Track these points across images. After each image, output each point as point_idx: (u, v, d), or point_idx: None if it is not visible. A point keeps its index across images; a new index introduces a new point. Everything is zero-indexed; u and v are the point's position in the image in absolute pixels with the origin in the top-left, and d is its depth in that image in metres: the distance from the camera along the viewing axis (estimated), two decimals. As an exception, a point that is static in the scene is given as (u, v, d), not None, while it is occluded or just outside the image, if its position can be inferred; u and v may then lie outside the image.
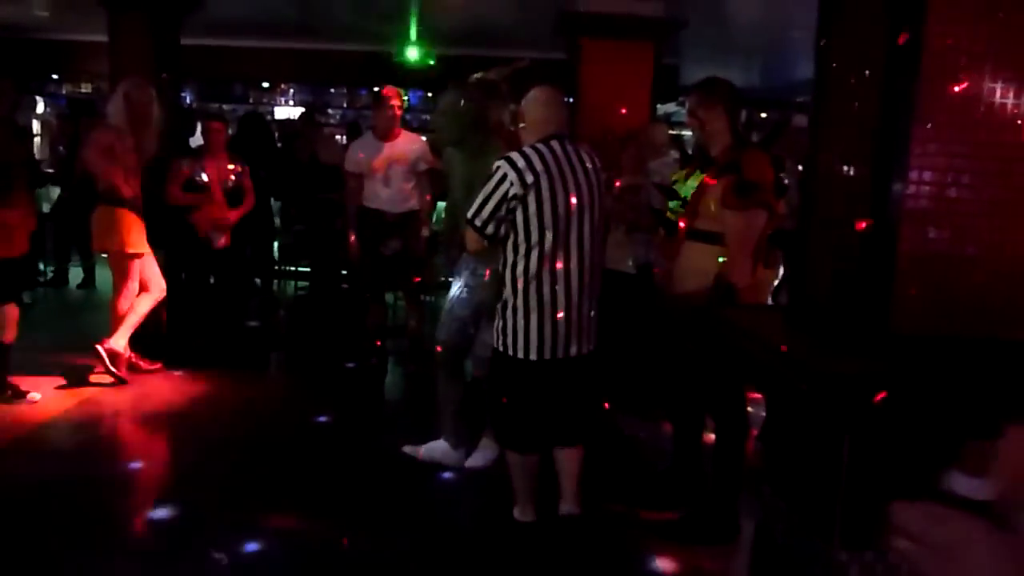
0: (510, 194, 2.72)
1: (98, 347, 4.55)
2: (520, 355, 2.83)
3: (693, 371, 3.14)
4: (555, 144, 2.82)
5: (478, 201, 2.79)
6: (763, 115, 8.51)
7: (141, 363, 4.84)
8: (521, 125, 3.04)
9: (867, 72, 1.57)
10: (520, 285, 2.79)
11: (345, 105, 10.28)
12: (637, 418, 4.43)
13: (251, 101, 10.47)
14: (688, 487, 3.38)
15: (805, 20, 2.69)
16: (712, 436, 3.21)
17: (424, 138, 5.04)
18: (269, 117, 10.40)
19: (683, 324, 3.02)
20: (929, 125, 1.48)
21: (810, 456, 1.63)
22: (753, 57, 8.23)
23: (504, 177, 2.73)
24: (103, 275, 6.65)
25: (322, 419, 4.24)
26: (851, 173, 1.56)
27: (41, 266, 7.09)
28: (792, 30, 6.27)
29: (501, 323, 2.89)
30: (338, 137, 8.66)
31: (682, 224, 3.11)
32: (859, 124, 1.56)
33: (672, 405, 3.54)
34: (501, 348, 2.89)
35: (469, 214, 2.82)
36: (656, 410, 4.37)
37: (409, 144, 4.88)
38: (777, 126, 3.42)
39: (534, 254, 2.75)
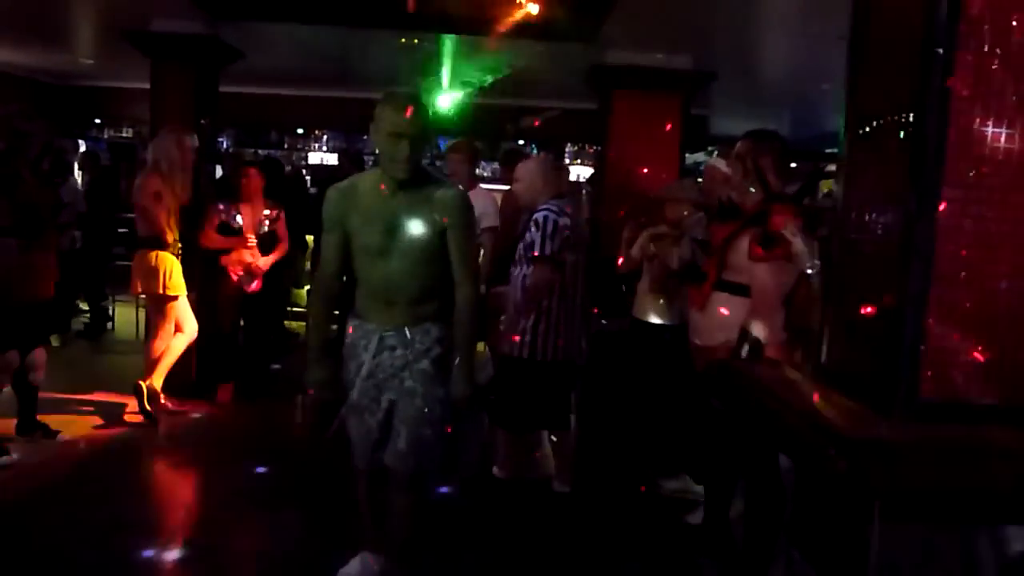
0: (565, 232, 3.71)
1: (140, 383, 4.64)
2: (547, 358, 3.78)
3: (720, 430, 3.09)
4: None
5: (543, 241, 3.66)
6: (793, 165, 8.51)
7: (170, 404, 4.90)
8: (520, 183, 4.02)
9: (896, 129, 1.57)
10: (544, 305, 3.74)
11: (376, 151, 10.45)
12: (668, 474, 4.35)
13: (286, 147, 10.72)
14: (717, 547, 3.31)
15: (834, 71, 2.70)
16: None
17: (493, 194, 5.01)
18: (303, 163, 10.64)
19: (708, 378, 2.99)
20: (958, 185, 1.47)
21: (839, 521, 1.59)
22: (783, 108, 8.26)
23: (556, 221, 3.70)
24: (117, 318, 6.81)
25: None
26: (880, 230, 1.55)
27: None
28: (821, 82, 6.30)
29: (525, 335, 3.75)
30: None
31: (710, 274, 3.10)
32: (888, 183, 1.55)
33: (701, 464, 3.50)
34: (526, 354, 3.77)
35: (541, 251, 3.67)
36: (684, 466, 4.31)
37: (476, 199, 4.88)
38: (812, 176, 3.41)
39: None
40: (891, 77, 1.63)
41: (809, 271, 2.63)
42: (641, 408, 4.60)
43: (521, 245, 3.85)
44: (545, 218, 3.73)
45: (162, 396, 4.81)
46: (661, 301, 4.28)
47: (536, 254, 3.70)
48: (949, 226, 1.46)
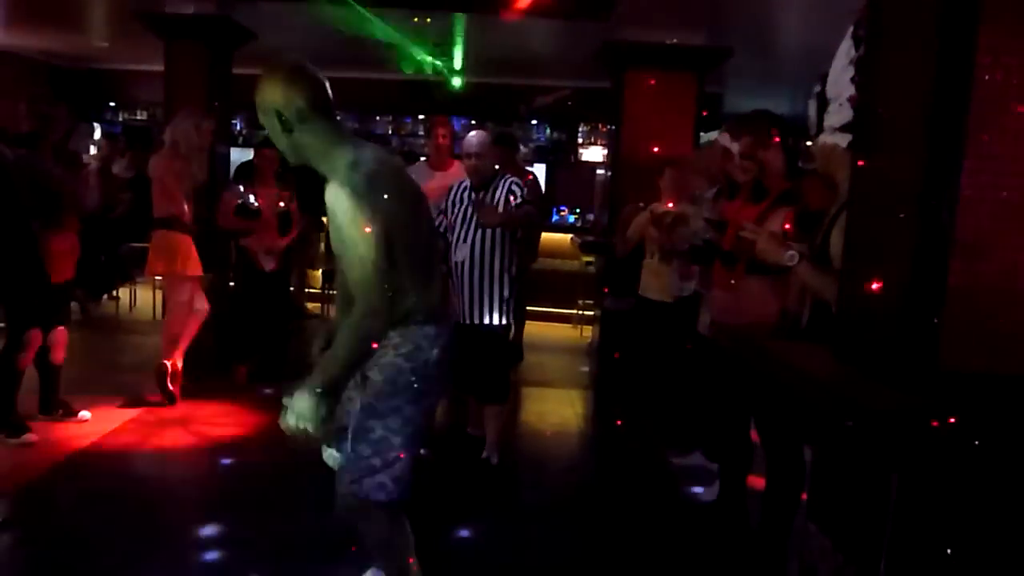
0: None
1: (165, 362, 4.70)
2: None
3: (743, 408, 3.09)
4: None
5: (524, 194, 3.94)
6: (808, 143, 8.43)
7: (188, 383, 4.95)
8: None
9: (916, 99, 1.55)
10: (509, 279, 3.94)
11: (390, 132, 10.45)
12: (677, 450, 4.38)
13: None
14: (733, 523, 3.32)
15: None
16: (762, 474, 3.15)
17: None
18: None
19: (737, 358, 2.97)
20: (980, 155, 1.46)
21: (857, 494, 1.59)
22: (798, 85, 8.16)
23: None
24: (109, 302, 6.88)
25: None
26: (899, 204, 1.54)
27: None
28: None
29: (505, 308, 3.93)
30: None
31: (741, 255, 3.05)
32: (907, 155, 1.54)
33: (721, 441, 3.50)
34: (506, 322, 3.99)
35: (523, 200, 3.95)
36: (696, 442, 4.34)
37: (463, 174, 4.94)
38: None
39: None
40: (909, 48, 1.61)
41: (788, 263, 2.51)
42: (650, 384, 4.64)
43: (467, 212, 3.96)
44: (518, 183, 4.02)
45: (180, 376, 4.86)
46: (664, 279, 4.31)
47: (529, 199, 4.00)
48: (969, 197, 1.45)
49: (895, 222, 1.49)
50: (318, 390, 2.12)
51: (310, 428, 2.15)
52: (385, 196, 2.07)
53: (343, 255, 2.17)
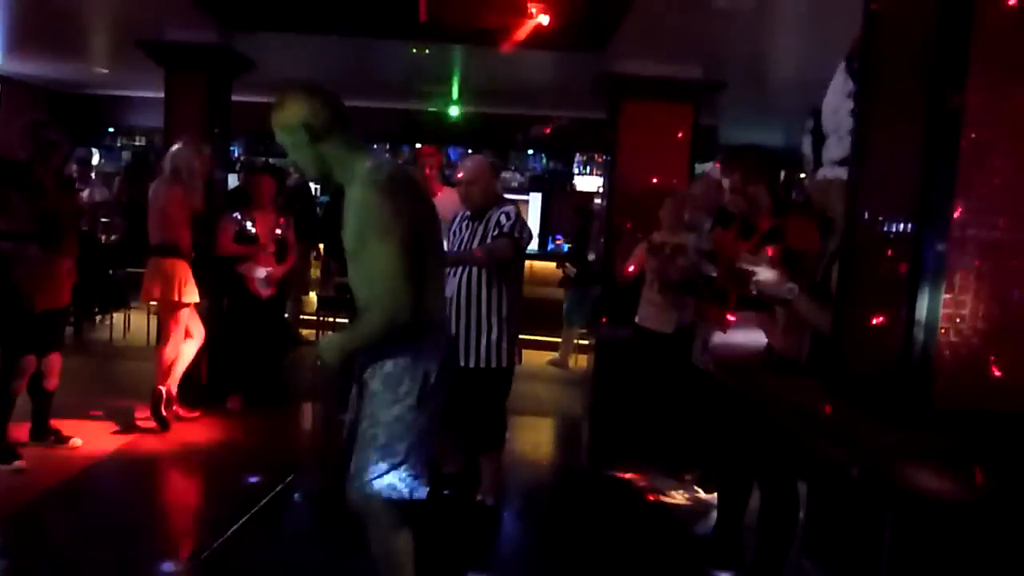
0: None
1: (159, 388, 4.68)
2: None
3: (740, 440, 3.09)
4: None
5: (514, 225, 3.69)
6: (802, 176, 8.50)
7: (180, 411, 4.93)
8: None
9: (907, 141, 1.57)
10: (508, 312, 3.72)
11: (387, 160, 10.51)
12: (671, 480, 4.37)
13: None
14: (729, 554, 3.31)
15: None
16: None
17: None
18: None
19: (732, 393, 2.98)
20: (970, 195, 1.48)
21: (852, 530, 1.59)
22: (792, 117, 8.25)
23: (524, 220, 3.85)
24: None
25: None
26: (893, 240, 1.55)
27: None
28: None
29: (495, 348, 3.69)
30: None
31: (731, 293, 3.07)
32: (900, 193, 1.56)
33: (717, 473, 3.49)
34: (505, 363, 3.73)
35: (511, 232, 3.68)
36: (689, 472, 4.33)
37: (451, 200, 4.97)
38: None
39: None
40: (902, 89, 1.64)
41: (787, 296, 2.52)
42: (648, 415, 4.63)
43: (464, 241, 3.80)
44: (517, 212, 3.84)
45: (175, 403, 4.84)
46: (663, 309, 4.32)
47: (505, 231, 3.69)
48: (961, 236, 1.47)
49: (889, 259, 1.51)
50: (342, 344, 2.35)
51: (327, 363, 2.33)
52: (407, 195, 2.23)
53: (359, 255, 2.30)
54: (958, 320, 1.47)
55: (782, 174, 3.30)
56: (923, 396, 1.46)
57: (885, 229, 1.65)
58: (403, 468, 2.32)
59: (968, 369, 1.46)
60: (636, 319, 4.53)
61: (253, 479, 4.05)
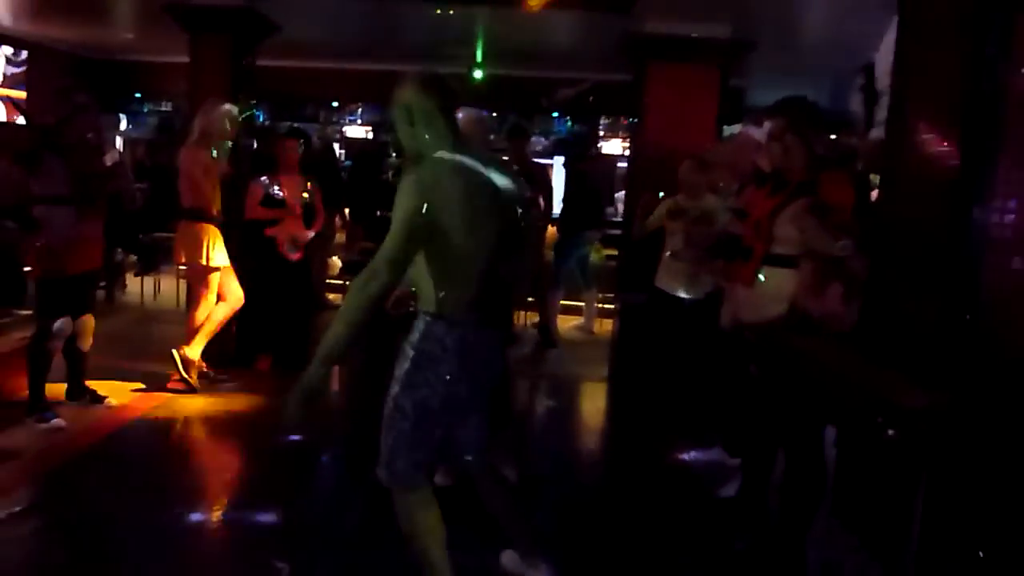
0: None
1: (174, 352, 4.74)
2: None
3: (765, 402, 3.07)
4: None
5: None
6: (832, 136, 8.35)
7: (211, 372, 5.00)
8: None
9: (948, 100, 1.53)
10: None
11: (411, 124, 10.47)
12: (696, 446, 4.37)
13: (321, 120, 10.78)
14: (754, 518, 3.31)
15: (877, 40, 2.61)
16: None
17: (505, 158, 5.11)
18: (338, 135, 10.71)
19: (756, 352, 2.96)
20: (1015, 151, 1.44)
21: (885, 491, 1.58)
22: (823, 79, 8.08)
23: None
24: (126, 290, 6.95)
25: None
26: (933, 201, 1.52)
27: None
28: (865, 51, 6.15)
29: None
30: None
31: (757, 248, 3.04)
32: (941, 151, 1.52)
33: (742, 436, 3.48)
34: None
35: None
36: (714, 437, 4.33)
37: None
38: (852, 153, 3.31)
39: None
40: (944, 44, 1.59)
41: (842, 252, 2.49)
42: (669, 379, 4.64)
43: None
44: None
45: (203, 364, 4.91)
46: (683, 272, 4.32)
47: None
48: (1004, 195, 1.43)
49: (930, 217, 1.48)
50: (316, 365, 2.27)
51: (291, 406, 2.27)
52: (436, 193, 2.22)
53: None
54: (997, 281, 1.44)
55: (831, 136, 3.22)
56: (961, 355, 1.44)
57: (923, 189, 1.61)
58: (416, 451, 2.36)
59: (1006, 331, 1.44)
60: (655, 282, 4.53)
61: (286, 438, 4.13)
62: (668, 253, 4.42)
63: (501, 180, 2.43)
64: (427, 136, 2.38)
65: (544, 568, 2.73)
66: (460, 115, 3.34)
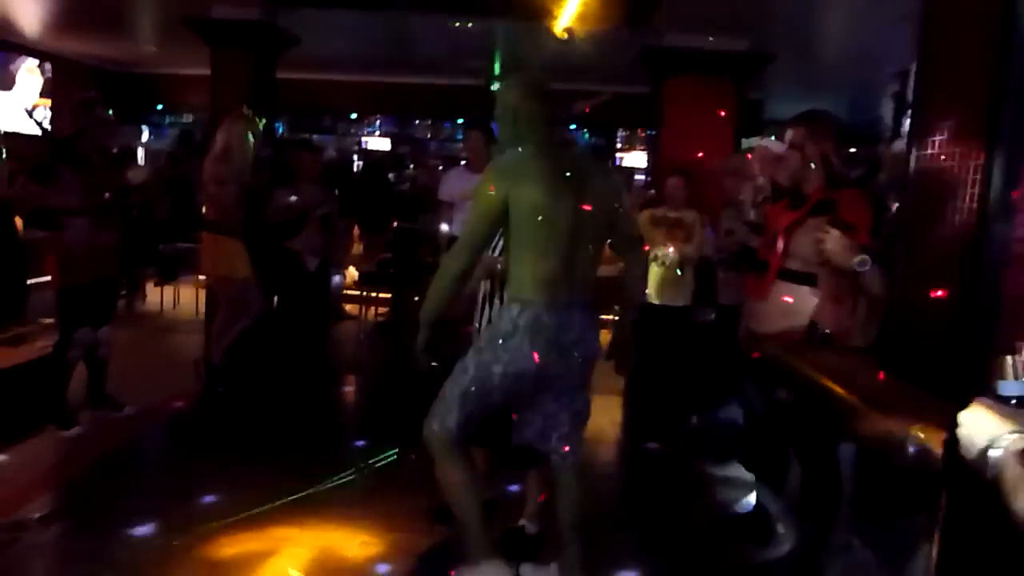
0: None
1: (201, 360, 4.79)
2: None
3: (780, 417, 3.05)
4: None
5: None
6: (852, 150, 8.31)
7: (227, 382, 5.03)
8: None
9: (970, 113, 1.53)
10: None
11: (429, 136, 10.55)
12: (711, 459, 4.35)
13: (339, 132, 10.88)
14: (768, 531, 3.29)
15: (896, 54, 2.60)
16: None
17: None
18: (356, 147, 10.80)
19: (770, 366, 2.94)
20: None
21: (904, 509, 1.57)
22: (841, 92, 8.06)
23: None
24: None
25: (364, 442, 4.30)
26: (954, 216, 1.51)
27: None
28: (883, 64, 6.12)
29: None
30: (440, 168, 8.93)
31: (772, 262, 3.03)
32: (962, 168, 1.51)
33: (756, 451, 3.46)
34: None
35: None
36: (729, 451, 4.32)
37: (461, 177, 4.96)
38: (873, 162, 3.29)
39: None
40: (966, 56, 1.58)
41: (859, 268, 2.49)
42: (668, 389, 4.75)
43: None
44: None
45: (222, 374, 4.94)
46: (669, 283, 4.60)
47: None
48: (1025, 209, 1.42)
49: (951, 231, 1.47)
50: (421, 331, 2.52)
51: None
52: (509, 179, 2.39)
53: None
54: (1019, 295, 1.43)
55: (850, 150, 3.21)
56: (982, 371, 1.43)
57: (943, 205, 1.60)
58: (451, 409, 2.47)
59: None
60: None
61: (296, 448, 4.15)
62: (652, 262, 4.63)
63: (587, 173, 2.52)
64: (523, 134, 2.52)
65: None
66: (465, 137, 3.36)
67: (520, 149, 2.48)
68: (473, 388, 2.44)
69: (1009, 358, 1.15)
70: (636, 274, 2.88)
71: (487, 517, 2.61)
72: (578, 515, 2.68)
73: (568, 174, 2.44)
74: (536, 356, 2.40)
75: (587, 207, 2.44)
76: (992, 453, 1.03)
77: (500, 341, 2.42)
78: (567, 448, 2.61)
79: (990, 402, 1.06)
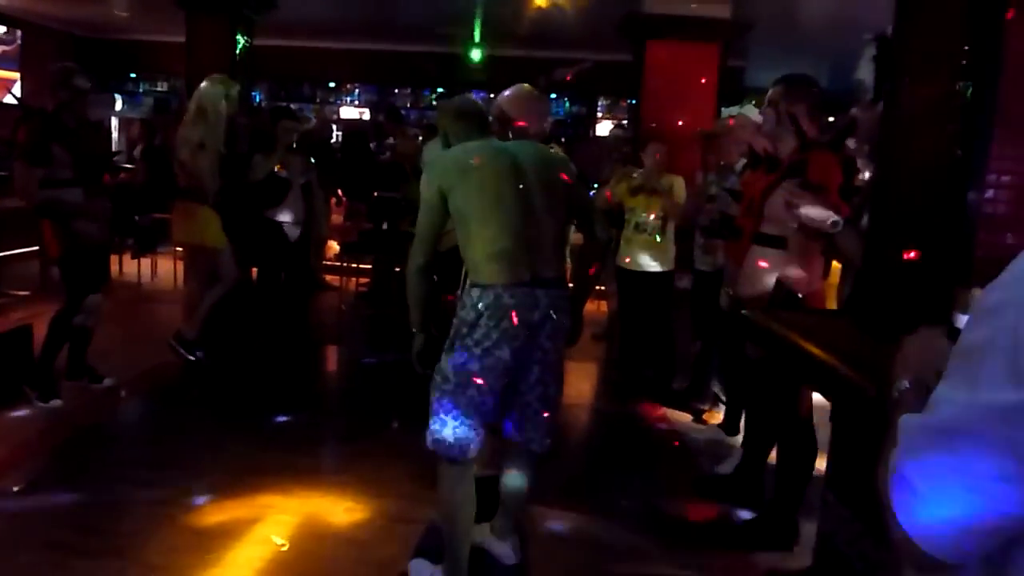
0: None
1: (178, 331, 4.75)
2: None
3: (757, 377, 3.10)
4: None
5: None
6: (831, 119, 8.33)
7: (206, 351, 5.00)
8: None
9: (946, 76, 1.54)
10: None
11: (408, 105, 10.44)
12: (691, 418, 4.43)
13: (318, 100, 10.74)
14: (749, 491, 3.36)
15: (877, 21, 2.61)
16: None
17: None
18: (335, 116, 10.67)
19: (743, 326, 2.99)
20: (1008, 130, 1.45)
21: (877, 463, 1.60)
22: (821, 59, 8.06)
23: None
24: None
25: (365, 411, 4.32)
26: (927, 176, 1.53)
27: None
28: (864, 31, 6.11)
29: None
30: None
31: (747, 227, 3.08)
32: (936, 129, 1.53)
33: (746, 412, 3.53)
34: None
35: None
36: (703, 404, 4.43)
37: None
38: (847, 126, 3.30)
39: None
40: (942, 20, 1.60)
41: (831, 230, 2.53)
42: (648, 353, 4.82)
43: None
44: None
45: (200, 344, 4.91)
46: (651, 249, 4.66)
47: None
48: (999, 167, 1.44)
49: (923, 194, 1.49)
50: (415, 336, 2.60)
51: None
52: (443, 171, 2.47)
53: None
54: (991, 253, 1.46)
55: (829, 119, 3.22)
56: (950, 326, 1.46)
57: (915, 162, 1.62)
58: (437, 417, 2.42)
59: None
60: (616, 259, 4.78)
61: (279, 418, 4.16)
62: (625, 229, 4.74)
63: (524, 152, 2.51)
64: (456, 141, 2.63)
65: (511, 543, 2.81)
66: (509, 93, 3.08)
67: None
68: (457, 395, 2.40)
69: (976, 290, 1.15)
70: (594, 250, 2.81)
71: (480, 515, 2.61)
72: (523, 499, 2.76)
73: (502, 152, 2.49)
74: (504, 343, 2.36)
75: (526, 179, 2.44)
76: (895, 390, 1.00)
77: (466, 331, 2.37)
78: (538, 436, 2.57)
79: (939, 332, 1.03)
